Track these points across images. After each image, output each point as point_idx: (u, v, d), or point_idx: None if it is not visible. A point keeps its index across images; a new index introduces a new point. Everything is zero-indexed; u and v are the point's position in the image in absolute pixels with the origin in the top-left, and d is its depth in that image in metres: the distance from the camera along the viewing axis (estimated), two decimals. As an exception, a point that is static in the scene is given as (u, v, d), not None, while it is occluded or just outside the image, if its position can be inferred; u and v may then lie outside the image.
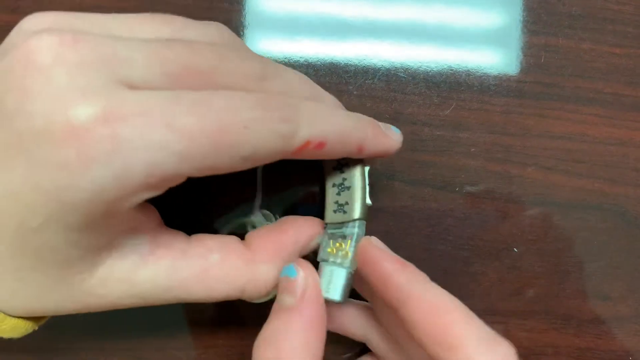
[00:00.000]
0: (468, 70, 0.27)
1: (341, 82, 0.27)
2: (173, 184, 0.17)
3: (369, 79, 0.27)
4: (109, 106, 0.15)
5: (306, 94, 0.19)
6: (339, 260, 0.21)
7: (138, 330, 0.26)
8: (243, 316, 0.27)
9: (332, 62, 0.27)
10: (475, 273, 0.27)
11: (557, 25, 0.28)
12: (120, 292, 0.19)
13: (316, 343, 0.19)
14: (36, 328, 0.20)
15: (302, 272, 0.20)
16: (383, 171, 0.27)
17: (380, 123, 0.22)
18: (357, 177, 0.22)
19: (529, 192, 0.27)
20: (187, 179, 0.17)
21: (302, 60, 0.27)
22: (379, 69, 0.27)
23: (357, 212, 0.22)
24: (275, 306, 0.20)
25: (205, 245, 0.20)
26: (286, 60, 0.27)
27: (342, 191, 0.22)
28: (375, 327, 0.24)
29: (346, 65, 0.27)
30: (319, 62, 0.27)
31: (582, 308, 0.27)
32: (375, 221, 0.26)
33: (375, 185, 0.27)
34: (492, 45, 0.28)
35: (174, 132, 0.15)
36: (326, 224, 0.22)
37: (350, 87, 0.27)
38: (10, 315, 0.19)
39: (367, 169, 0.22)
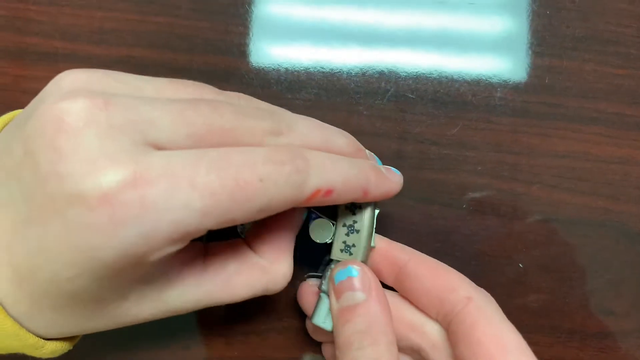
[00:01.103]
0: (474, 91, 0.28)
1: (352, 102, 0.28)
2: (195, 237, 0.18)
3: (379, 100, 0.28)
4: (137, 171, 0.16)
5: (317, 141, 0.21)
6: None
7: (153, 342, 0.27)
8: (258, 328, 0.27)
9: (342, 84, 0.28)
10: (482, 288, 0.28)
11: (561, 47, 0.29)
12: (153, 310, 0.20)
13: (391, 324, 0.22)
14: (71, 347, 0.21)
15: (361, 269, 0.22)
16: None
17: (382, 166, 0.23)
18: (367, 222, 0.23)
19: (534, 209, 0.28)
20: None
21: (313, 82, 0.28)
22: (388, 90, 0.28)
23: (361, 256, 0.23)
24: (344, 307, 0.22)
25: (220, 257, 0.22)
26: (299, 82, 0.28)
27: (351, 233, 0.23)
28: None
29: (356, 86, 0.28)
30: (330, 84, 0.28)
31: (586, 322, 0.28)
32: (385, 237, 0.27)
33: (384, 203, 0.27)
34: (498, 67, 0.28)
35: (196, 191, 0.16)
36: (331, 259, 0.24)
37: (360, 108, 0.28)
38: (49, 339, 0.20)
39: (377, 212, 0.24)
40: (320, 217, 0.24)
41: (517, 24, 0.29)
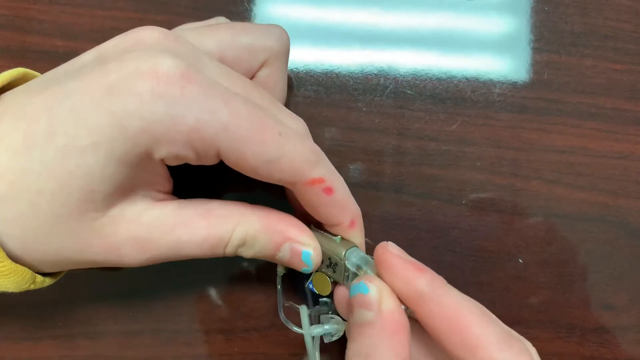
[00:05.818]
0: (473, 87, 0.28)
1: (351, 99, 0.28)
2: (204, 157, 0.19)
3: (378, 96, 0.28)
4: (188, 67, 0.18)
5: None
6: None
7: (154, 338, 0.27)
8: (258, 324, 0.27)
9: (342, 81, 0.28)
10: (482, 283, 0.28)
11: (559, 42, 0.29)
12: (126, 233, 0.20)
13: (403, 349, 0.20)
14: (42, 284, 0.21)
15: (374, 286, 0.20)
16: (392, 184, 0.28)
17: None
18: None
19: (533, 205, 0.28)
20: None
21: (312, 79, 0.28)
22: (387, 86, 0.28)
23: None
24: (355, 323, 0.20)
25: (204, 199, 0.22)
26: (298, 79, 0.28)
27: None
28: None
29: (355, 83, 0.28)
30: (329, 81, 0.28)
31: (586, 317, 0.28)
32: (384, 233, 0.27)
33: (383, 198, 0.28)
34: (497, 63, 0.29)
35: (226, 106, 0.18)
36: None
37: (359, 104, 0.28)
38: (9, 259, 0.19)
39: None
40: (321, 271, 0.23)
41: (515, 20, 0.29)
